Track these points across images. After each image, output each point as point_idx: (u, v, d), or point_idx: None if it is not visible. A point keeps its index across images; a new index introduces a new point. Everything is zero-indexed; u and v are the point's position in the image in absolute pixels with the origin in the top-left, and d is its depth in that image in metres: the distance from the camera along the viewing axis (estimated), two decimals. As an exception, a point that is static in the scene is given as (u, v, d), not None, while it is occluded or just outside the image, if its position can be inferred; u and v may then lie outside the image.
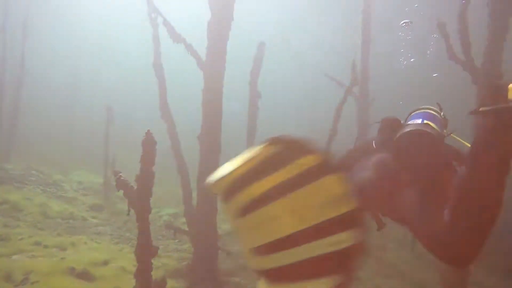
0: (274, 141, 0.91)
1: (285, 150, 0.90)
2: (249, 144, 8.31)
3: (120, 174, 3.07)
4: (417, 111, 1.64)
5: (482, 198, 1.08)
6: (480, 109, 1.09)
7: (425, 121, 1.51)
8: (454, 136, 1.63)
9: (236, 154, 1.03)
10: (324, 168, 0.88)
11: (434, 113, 1.61)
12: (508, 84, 1.06)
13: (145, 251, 2.92)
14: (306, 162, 0.89)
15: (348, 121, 7.28)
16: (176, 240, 6.87)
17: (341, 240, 0.88)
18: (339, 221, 0.87)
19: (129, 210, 3.00)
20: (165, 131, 6.52)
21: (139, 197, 2.95)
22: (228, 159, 1.09)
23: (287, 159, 0.90)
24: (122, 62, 27.08)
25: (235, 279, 6.32)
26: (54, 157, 14.23)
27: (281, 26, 20.14)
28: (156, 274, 5.38)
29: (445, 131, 1.61)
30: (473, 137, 1.12)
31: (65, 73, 24.75)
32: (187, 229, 6.32)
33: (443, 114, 1.67)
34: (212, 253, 6.03)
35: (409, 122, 1.56)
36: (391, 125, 1.61)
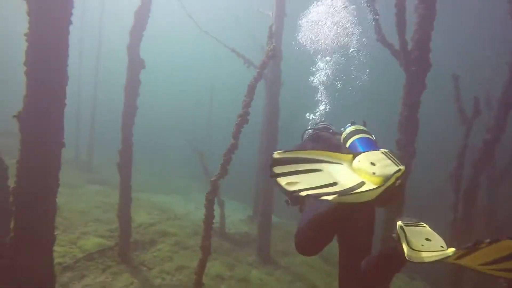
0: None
1: None
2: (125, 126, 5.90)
3: None
4: (360, 136, 1.96)
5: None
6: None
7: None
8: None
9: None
10: None
11: (372, 138, 1.98)
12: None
13: None
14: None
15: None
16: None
17: None
18: None
19: None
20: None
21: None
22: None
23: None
24: None
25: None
26: None
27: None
28: None
29: None
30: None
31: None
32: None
33: (370, 132, 2.04)
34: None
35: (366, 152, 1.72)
36: (329, 142, 2.14)
